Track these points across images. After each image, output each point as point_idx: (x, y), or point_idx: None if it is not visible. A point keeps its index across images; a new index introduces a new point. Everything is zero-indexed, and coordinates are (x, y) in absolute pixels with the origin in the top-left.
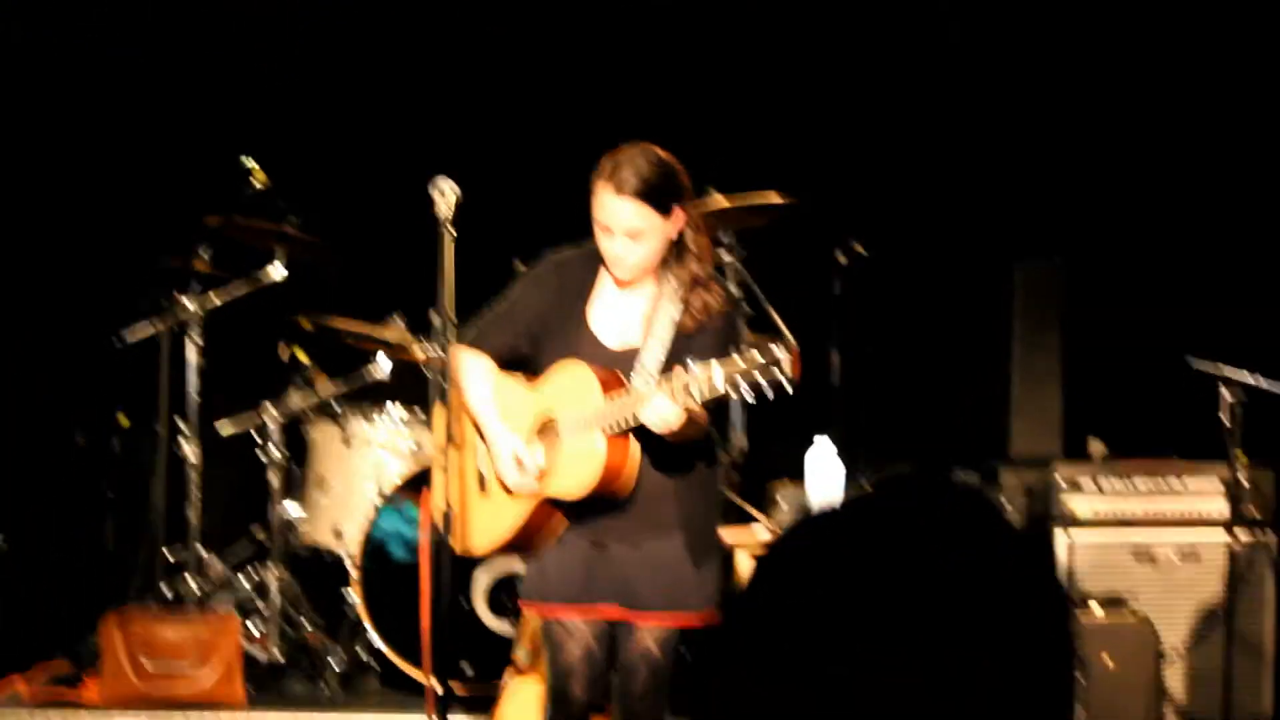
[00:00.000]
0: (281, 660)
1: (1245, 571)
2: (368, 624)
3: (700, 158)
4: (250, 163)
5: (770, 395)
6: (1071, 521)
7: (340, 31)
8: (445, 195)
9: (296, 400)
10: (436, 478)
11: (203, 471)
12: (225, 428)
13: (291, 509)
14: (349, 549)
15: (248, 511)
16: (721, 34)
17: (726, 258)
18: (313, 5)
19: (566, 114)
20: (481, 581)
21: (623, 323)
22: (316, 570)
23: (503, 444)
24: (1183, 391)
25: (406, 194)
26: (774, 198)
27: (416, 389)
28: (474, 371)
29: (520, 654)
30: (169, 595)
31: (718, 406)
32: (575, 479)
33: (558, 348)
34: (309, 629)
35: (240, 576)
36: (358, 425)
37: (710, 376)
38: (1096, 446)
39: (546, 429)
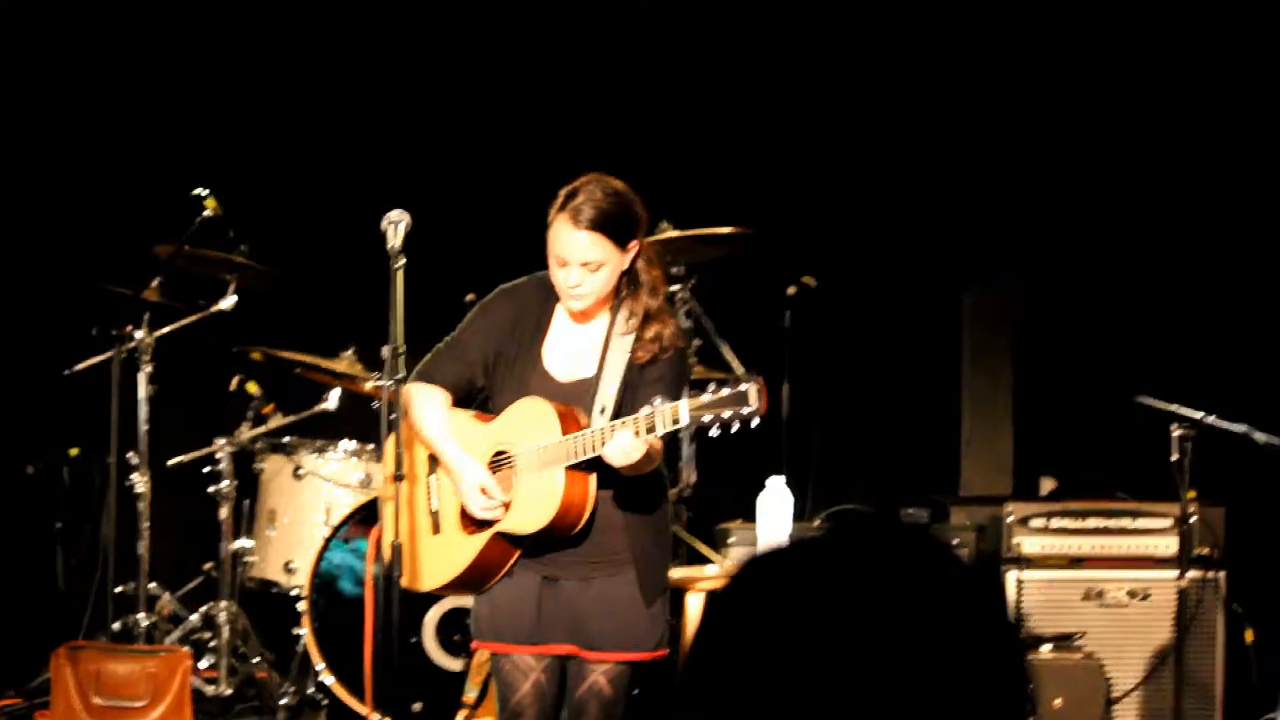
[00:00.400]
0: (231, 694)
1: (1195, 611)
2: (317, 659)
3: (653, 189)
4: (203, 191)
5: (735, 429)
6: (1022, 560)
7: (297, 61)
8: (397, 227)
9: (247, 433)
10: (385, 510)
11: (153, 504)
12: (175, 460)
13: (241, 542)
14: (298, 583)
15: (198, 545)
16: (674, 66)
17: (678, 289)
18: (268, 35)
19: (521, 146)
20: (431, 617)
21: (575, 355)
22: (266, 604)
23: (467, 474)
24: (1133, 429)
25: (360, 225)
26: (725, 229)
27: (367, 422)
28: (428, 405)
29: (470, 692)
30: (119, 630)
31: (671, 442)
32: (533, 514)
33: (510, 381)
34: (259, 664)
35: (191, 611)
36: (308, 458)
37: (676, 413)
38: (1047, 484)
39: (501, 463)
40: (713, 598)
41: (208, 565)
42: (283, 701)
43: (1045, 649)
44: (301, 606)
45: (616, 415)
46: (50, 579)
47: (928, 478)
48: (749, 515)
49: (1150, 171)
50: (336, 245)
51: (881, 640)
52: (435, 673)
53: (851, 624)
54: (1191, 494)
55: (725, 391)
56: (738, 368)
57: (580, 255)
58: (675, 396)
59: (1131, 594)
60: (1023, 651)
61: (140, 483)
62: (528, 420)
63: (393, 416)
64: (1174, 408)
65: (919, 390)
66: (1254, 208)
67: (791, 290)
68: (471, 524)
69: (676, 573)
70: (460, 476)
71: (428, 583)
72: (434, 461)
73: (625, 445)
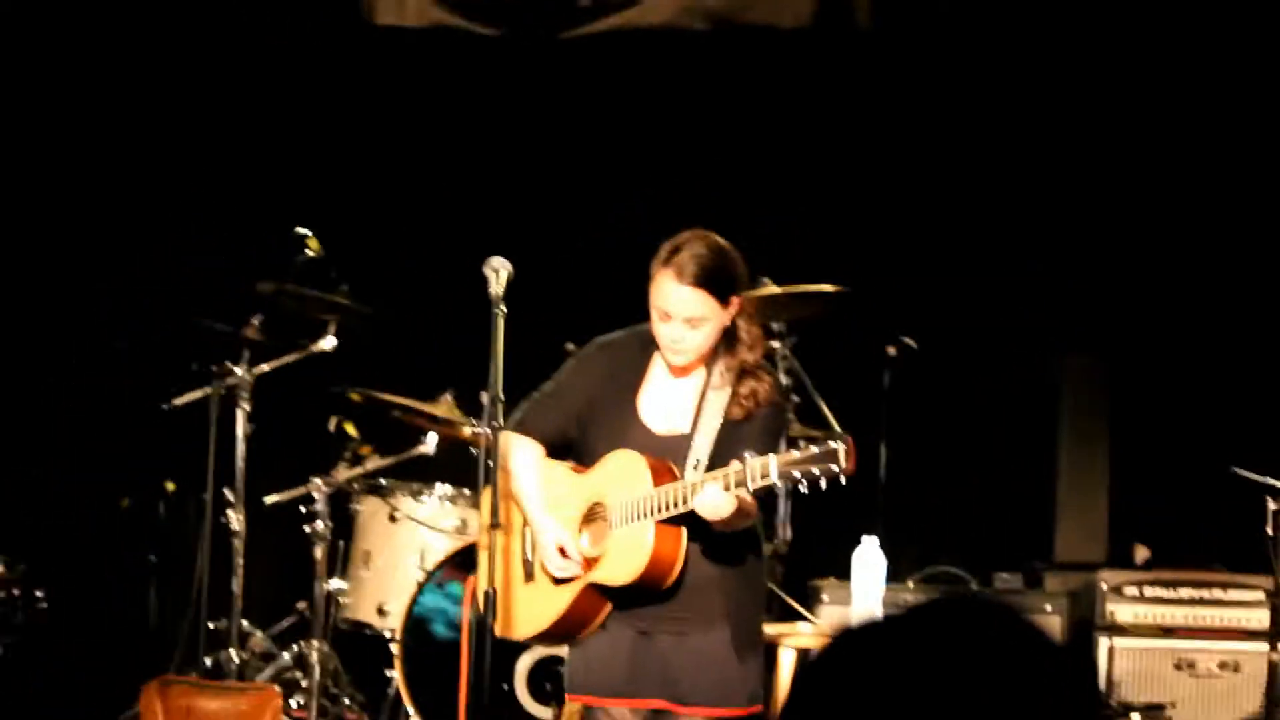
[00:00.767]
0: None
1: None
2: (407, 702)
3: (755, 245)
4: (304, 232)
5: (824, 488)
6: (1114, 628)
7: (401, 105)
8: (499, 274)
9: (343, 473)
10: (481, 559)
11: (247, 542)
12: (272, 499)
13: (335, 583)
14: (391, 625)
15: (292, 584)
16: (778, 125)
17: (777, 346)
18: (374, 79)
19: (624, 198)
20: (523, 665)
21: (671, 409)
22: (358, 645)
23: (547, 533)
24: (1228, 500)
25: (461, 270)
26: (826, 288)
27: (464, 467)
28: (521, 457)
29: None
30: (210, 666)
31: (765, 498)
32: (624, 566)
33: (605, 432)
34: (349, 705)
35: (282, 650)
36: (404, 501)
37: (766, 468)
38: (1141, 553)
39: (595, 515)
40: (804, 668)
41: (301, 605)
42: None
43: (1135, 717)
44: (394, 649)
45: (710, 470)
46: (143, 613)
47: (1022, 542)
48: (843, 573)
49: (1252, 246)
50: (437, 288)
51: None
52: (525, 718)
53: (940, 706)
54: None
55: (815, 449)
56: (835, 426)
57: (684, 310)
58: (769, 452)
59: (1222, 665)
60: None
61: (236, 520)
62: (621, 473)
63: (490, 464)
64: (1269, 480)
65: (1015, 454)
66: None
67: (891, 351)
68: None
69: (770, 628)
70: (540, 534)
71: (520, 631)
72: None
73: (715, 499)
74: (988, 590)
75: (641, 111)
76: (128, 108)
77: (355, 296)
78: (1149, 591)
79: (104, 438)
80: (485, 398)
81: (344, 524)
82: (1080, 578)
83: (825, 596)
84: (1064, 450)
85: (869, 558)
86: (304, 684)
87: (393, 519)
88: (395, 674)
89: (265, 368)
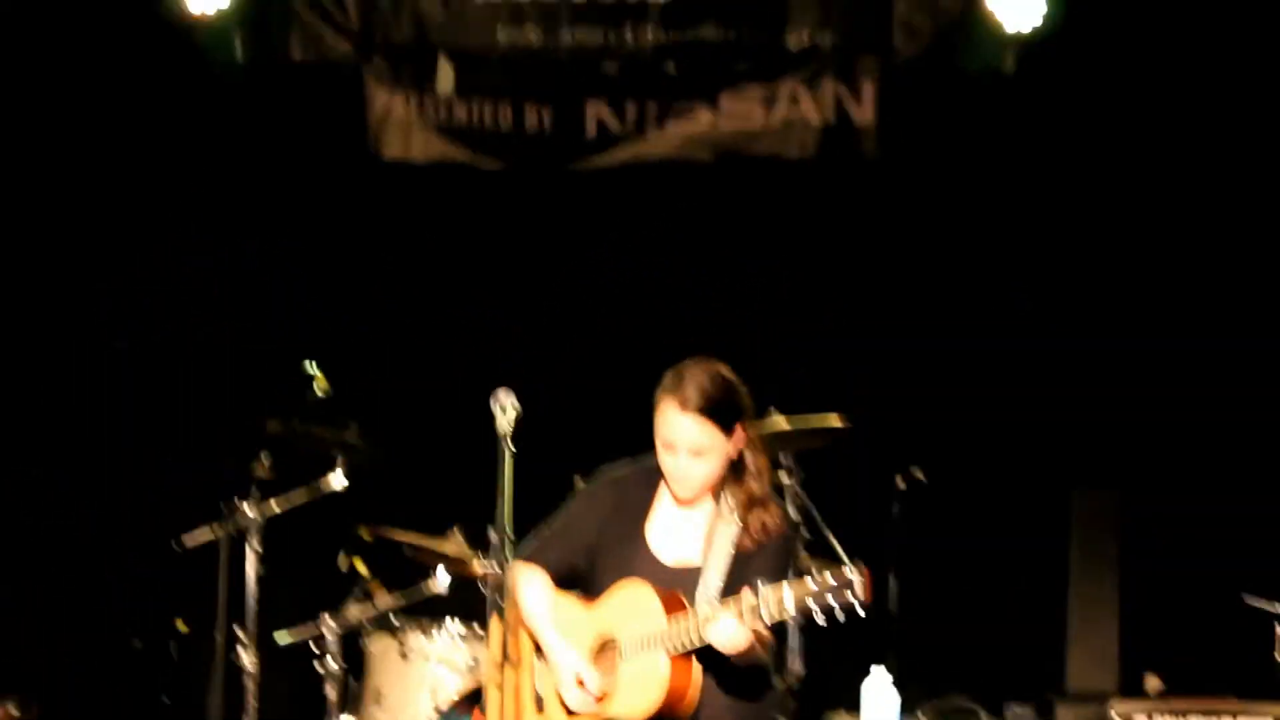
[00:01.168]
0: None
1: None
2: None
3: (761, 377)
4: (313, 369)
5: (841, 619)
6: None
7: (404, 243)
8: (506, 410)
9: (355, 612)
10: (491, 695)
11: (260, 681)
12: (283, 637)
13: None
14: None
15: None
16: (779, 254)
17: (785, 480)
18: (377, 212)
19: (630, 328)
20: None
21: (680, 541)
22: None
23: (564, 661)
24: (1239, 628)
25: (467, 406)
26: (834, 421)
27: (475, 604)
28: (531, 588)
29: None
30: None
31: (778, 630)
32: (638, 701)
33: (614, 565)
34: None
35: None
36: (415, 639)
37: (780, 599)
38: (1153, 683)
39: (606, 649)
40: None
41: None
42: None
43: None
44: None
45: (722, 601)
46: None
47: (1033, 672)
48: (855, 705)
49: (1255, 375)
50: (444, 422)
51: None
52: None
53: None
54: None
55: (831, 580)
56: (845, 559)
57: (687, 440)
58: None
59: None
60: None
61: (247, 659)
62: (631, 604)
63: (499, 600)
64: (1279, 608)
65: (1026, 584)
66: None
67: (900, 483)
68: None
69: None
70: (557, 666)
71: None
72: (539, 645)
73: (730, 630)
74: None
75: (647, 242)
76: (137, 244)
77: (363, 433)
78: None
79: (115, 578)
80: (494, 535)
81: (356, 661)
82: (1092, 708)
83: None
84: (1074, 580)
85: (878, 688)
86: None
87: (404, 656)
88: None
89: (275, 507)
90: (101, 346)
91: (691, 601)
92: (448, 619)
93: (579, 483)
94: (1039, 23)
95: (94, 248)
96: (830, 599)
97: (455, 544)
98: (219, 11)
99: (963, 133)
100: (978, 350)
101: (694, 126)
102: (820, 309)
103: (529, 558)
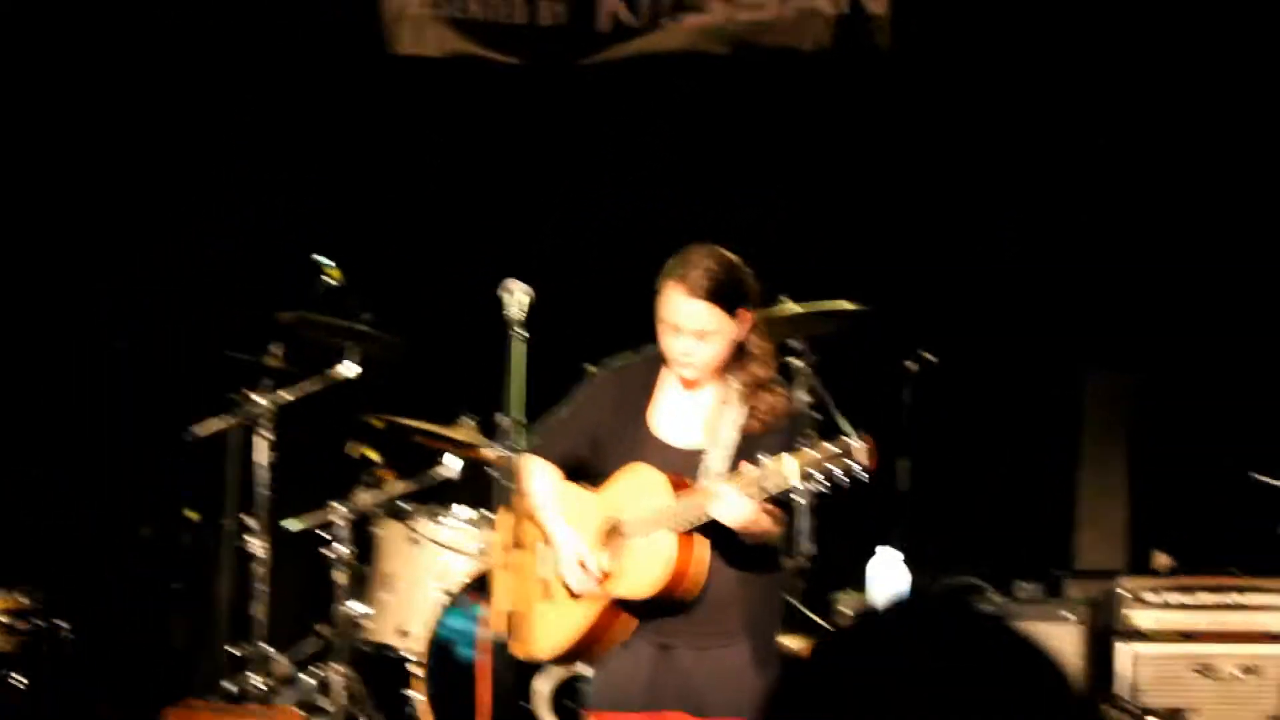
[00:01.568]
0: None
1: None
2: None
3: (773, 265)
4: (323, 260)
5: (846, 486)
6: (1134, 634)
7: (415, 135)
8: (515, 297)
9: (364, 498)
10: (497, 579)
11: (269, 567)
12: (293, 524)
13: (357, 607)
14: (413, 648)
15: (313, 608)
16: (792, 143)
17: (798, 363)
18: (390, 104)
19: (643, 221)
20: (544, 686)
21: (685, 425)
22: (381, 669)
23: (567, 547)
24: (1247, 506)
25: (481, 294)
26: (845, 305)
27: (484, 490)
28: (539, 478)
29: None
30: (233, 691)
31: (788, 511)
32: (644, 579)
33: (621, 452)
34: None
35: (304, 674)
36: (425, 525)
37: (782, 469)
38: (1161, 560)
39: (614, 532)
40: (787, 668)
41: (323, 628)
42: None
43: None
44: (416, 671)
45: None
46: (166, 639)
47: (1042, 551)
48: (864, 586)
49: (1268, 254)
50: (457, 312)
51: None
52: None
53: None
54: None
55: (833, 448)
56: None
57: (693, 324)
58: None
59: (1243, 669)
60: None
61: (257, 545)
62: (638, 487)
63: (508, 486)
64: None
65: (1035, 463)
66: None
67: (912, 366)
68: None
69: (791, 642)
70: (560, 550)
71: (541, 651)
72: None
73: (735, 507)
74: (998, 597)
75: (660, 134)
76: (153, 142)
77: (376, 323)
78: (1169, 597)
79: (126, 467)
80: (504, 421)
81: (365, 548)
82: (1100, 585)
83: (840, 607)
84: (1083, 459)
85: (885, 568)
86: (327, 707)
87: (414, 542)
88: (417, 696)
89: (287, 396)
90: (117, 243)
91: (697, 480)
92: (456, 505)
93: (590, 372)
94: None
95: (105, 143)
96: (833, 467)
97: (465, 431)
98: None
99: (977, 22)
100: (989, 234)
101: (708, 18)
102: (833, 197)
103: (535, 449)
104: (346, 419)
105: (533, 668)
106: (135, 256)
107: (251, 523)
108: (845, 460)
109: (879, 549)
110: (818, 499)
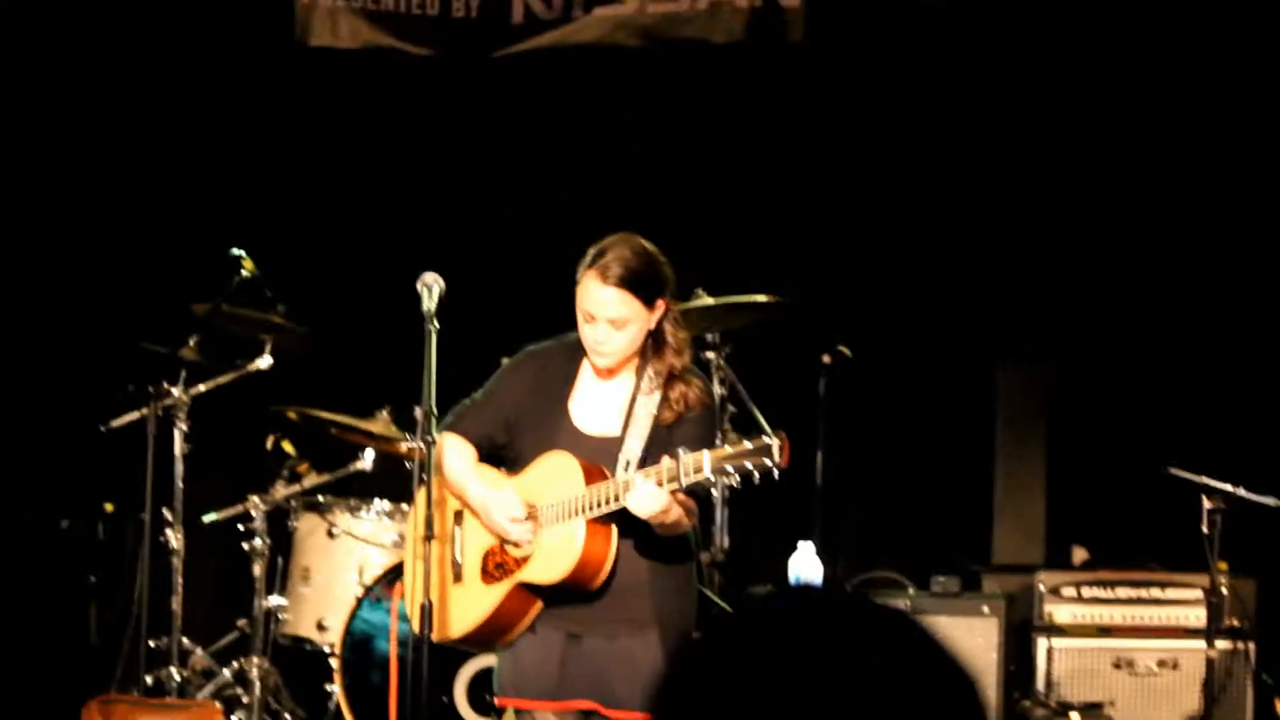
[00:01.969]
0: None
1: (1225, 681)
2: (348, 716)
3: (688, 258)
4: (239, 252)
5: (758, 482)
6: (1052, 629)
7: (334, 125)
8: (431, 290)
9: (281, 491)
10: (413, 568)
11: (186, 560)
12: (210, 517)
13: (275, 599)
14: (331, 640)
15: (231, 601)
16: (705, 135)
17: (712, 356)
18: (305, 98)
19: (557, 213)
20: (464, 676)
21: (601, 412)
22: (299, 661)
23: (496, 505)
24: (1164, 500)
25: (396, 287)
26: (760, 298)
27: (401, 483)
28: (455, 453)
29: None
30: (151, 684)
31: (703, 505)
32: (553, 565)
33: (536, 437)
34: None
35: (223, 667)
36: (342, 517)
37: (699, 462)
38: (1079, 554)
39: (528, 516)
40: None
41: (241, 622)
42: None
43: (1074, 717)
44: (334, 664)
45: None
46: (84, 632)
47: (960, 545)
48: (780, 581)
49: (1192, 242)
50: (372, 305)
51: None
52: None
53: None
54: (1223, 565)
55: (748, 444)
56: (769, 432)
57: (607, 311)
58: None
59: (1161, 663)
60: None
61: (174, 539)
62: (553, 473)
63: (423, 477)
64: (1204, 479)
65: (952, 458)
66: None
67: (826, 359)
68: (492, 575)
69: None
70: (490, 510)
71: (449, 632)
72: (458, 515)
73: (647, 495)
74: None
75: (575, 127)
76: (61, 128)
77: (291, 315)
78: (1087, 592)
79: (42, 460)
80: (419, 412)
81: (283, 541)
82: (1018, 579)
83: None
84: (1000, 453)
85: (804, 563)
86: (245, 700)
87: (331, 535)
88: (336, 688)
89: (202, 388)
90: (26, 233)
91: (612, 471)
92: (374, 498)
93: (504, 363)
94: None
95: (12, 132)
96: (747, 463)
97: (382, 424)
98: None
99: (890, 14)
100: (904, 226)
101: (621, 10)
102: (746, 189)
103: (451, 426)
104: (262, 412)
105: (452, 659)
106: (49, 248)
107: (168, 515)
108: (759, 457)
109: (800, 544)
110: (730, 492)
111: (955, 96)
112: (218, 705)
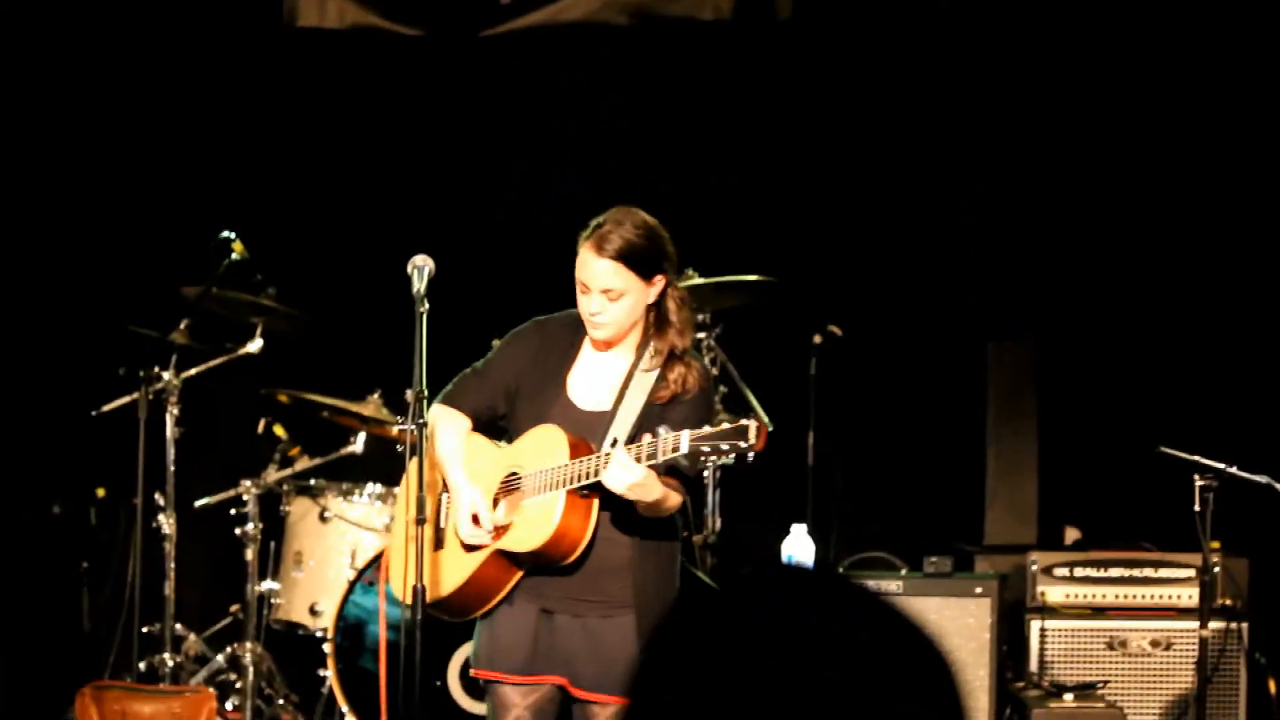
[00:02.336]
0: None
1: (1218, 661)
2: (341, 701)
3: (679, 238)
4: (230, 235)
5: (733, 465)
6: (1045, 609)
7: (323, 106)
8: (421, 272)
9: (273, 475)
10: (401, 552)
11: (179, 545)
12: (202, 502)
13: (267, 584)
14: (324, 625)
15: (224, 586)
16: (695, 113)
17: (703, 337)
18: (298, 80)
19: (549, 193)
20: (455, 660)
21: (598, 387)
22: (292, 646)
23: (463, 495)
24: (1157, 479)
25: (387, 269)
26: (751, 278)
27: (393, 466)
28: (446, 427)
29: None
30: (144, 670)
31: (693, 485)
32: (529, 535)
33: (532, 408)
34: (283, 705)
35: (216, 652)
36: (334, 501)
37: (676, 441)
38: (1071, 534)
39: (511, 486)
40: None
41: (234, 607)
42: None
43: (1067, 698)
44: (327, 648)
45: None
46: (76, 618)
47: (952, 526)
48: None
49: (1183, 221)
50: (364, 288)
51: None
52: (459, 715)
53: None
54: (1215, 545)
55: (725, 426)
56: (761, 414)
57: (601, 282)
58: None
59: (1154, 643)
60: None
61: (167, 524)
62: (541, 446)
63: (413, 459)
64: (1196, 458)
65: (944, 438)
66: None
67: (817, 339)
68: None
69: None
70: (457, 499)
71: (433, 596)
72: (444, 482)
73: (624, 473)
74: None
75: (565, 105)
76: (52, 112)
77: (282, 299)
78: (1079, 572)
79: (33, 445)
80: (410, 395)
81: (275, 525)
82: (1011, 560)
83: None
84: (993, 433)
85: (798, 545)
86: (238, 685)
87: (323, 519)
88: (329, 673)
89: (193, 372)
90: (16, 218)
91: (599, 445)
92: (367, 482)
93: (495, 345)
94: None
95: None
96: (724, 444)
97: (373, 407)
98: None
99: None
100: (893, 204)
101: None
102: (736, 169)
103: (448, 397)
104: (254, 396)
105: (445, 643)
106: (38, 233)
107: (161, 501)
108: (735, 439)
109: (794, 527)
110: (722, 473)
111: (944, 72)
112: (211, 691)
